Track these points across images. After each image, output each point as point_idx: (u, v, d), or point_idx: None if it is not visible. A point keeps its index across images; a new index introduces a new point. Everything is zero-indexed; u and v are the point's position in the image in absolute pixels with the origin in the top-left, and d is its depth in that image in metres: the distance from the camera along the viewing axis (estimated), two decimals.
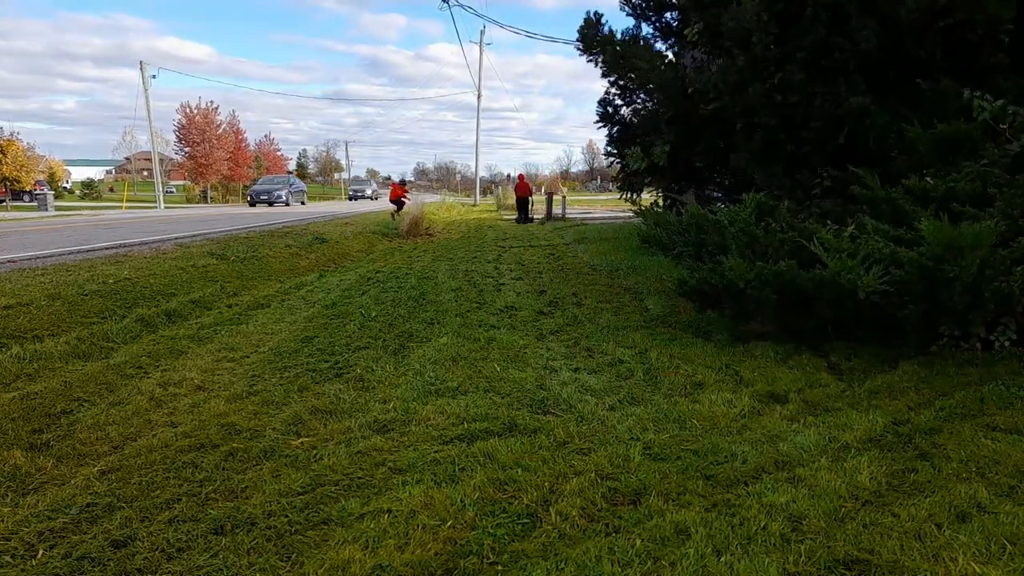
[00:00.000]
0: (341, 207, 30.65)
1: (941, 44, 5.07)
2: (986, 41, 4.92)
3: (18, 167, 37.81)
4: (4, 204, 35.54)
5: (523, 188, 20.38)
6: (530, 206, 20.23)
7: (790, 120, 5.99)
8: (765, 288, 4.46)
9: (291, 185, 32.72)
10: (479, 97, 38.46)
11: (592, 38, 8.43)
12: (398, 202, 18.70)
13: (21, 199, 38.97)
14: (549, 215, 20.66)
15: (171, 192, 58.34)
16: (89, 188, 56.42)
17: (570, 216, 21.24)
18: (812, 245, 4.29)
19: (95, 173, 75.96)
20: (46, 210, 27.15)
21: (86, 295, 5.94)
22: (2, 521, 2.39)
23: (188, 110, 49.14)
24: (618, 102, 10.58)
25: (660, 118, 8.49)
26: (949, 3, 4.88)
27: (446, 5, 25.06)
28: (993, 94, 4.69)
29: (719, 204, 7.63)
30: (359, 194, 51.40)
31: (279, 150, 72.76)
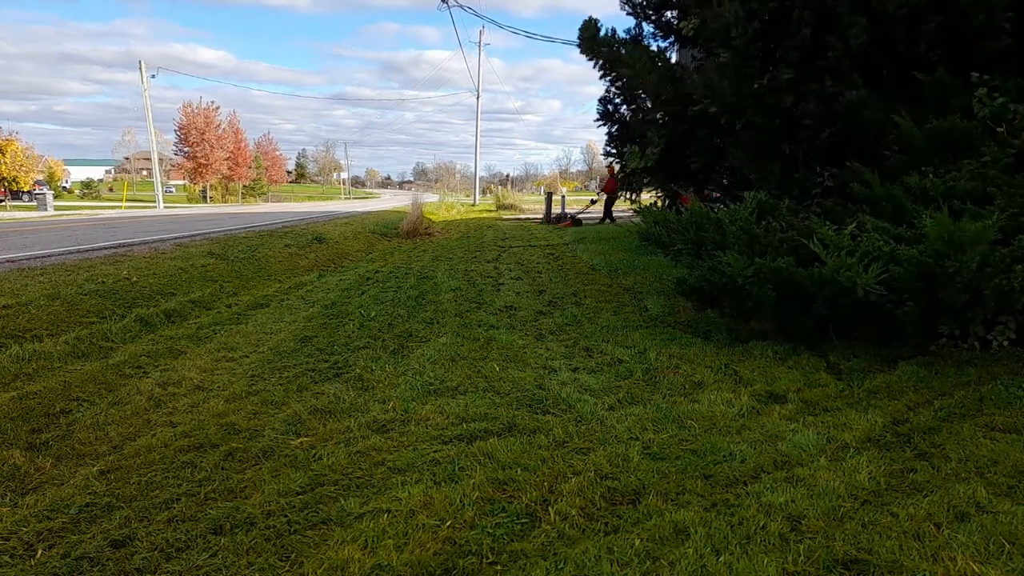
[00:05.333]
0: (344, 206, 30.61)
1: (936, 40, 5.05)
2: (980, 38, 4.90)
3: (17, 167, 37.77)
4: (3, 204, 35.52)
5: (610, 184, 18.01)
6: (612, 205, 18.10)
7: (785, 119, 5.99)
8: (764, 285, 4.45)
9: None
10: (478, 98, 38.49)
11: (591, 41, 8.49)
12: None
13: (20, 199, 38.98)
14: (548, 215, 20.66)
15: (170, 192, 58.37)
16: (88, 188, 56.44)
17: (569, 215, 21.23)
18: (811, 243, 4.29)
19: (94, 173, 75.97)
20: (45, 210, 27.16)
21: (85, 295, 5.94)
22: (1, 521, 2.39)
23: (188, 110, 49.14)
24: (617, 101, 10.61)
25: (650, 122, 8.52)
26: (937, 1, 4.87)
27: (445, 6, 25.06)
28: (993, 92, 4.69)
29: (719, 204, 7.62)
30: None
31: (278, 150, 72.80)
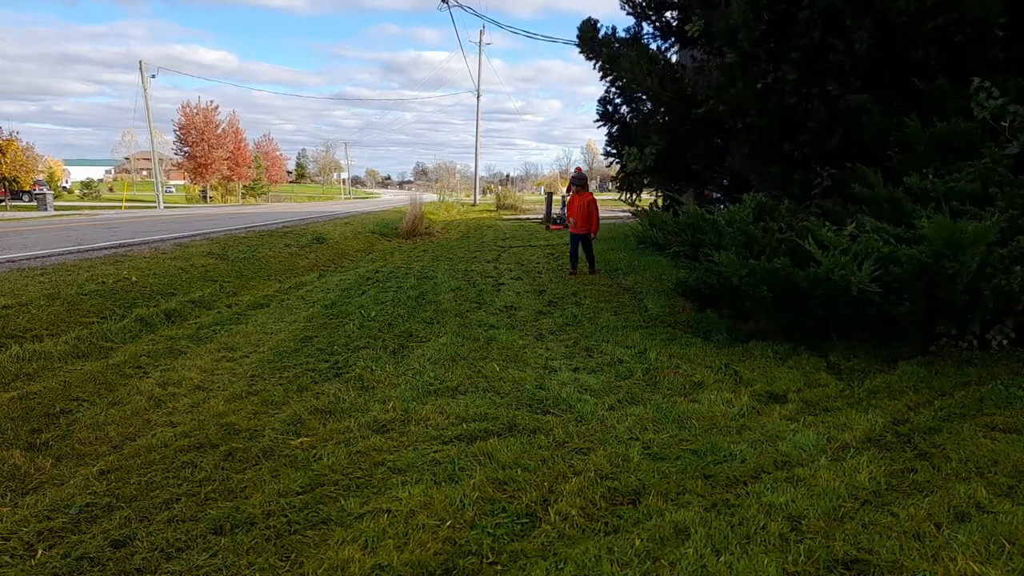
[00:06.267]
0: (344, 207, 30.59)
1: (935, 44, 5.07)
2: (979, 40, 4.92)
3: (17, 167, 37.75)
4: (3, 204, 35.50)
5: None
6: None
7: (787, 120, 5.99)
8: (760, 286, 4.45)
9: None
10: (478, 98, 38.47)
11: (589, 42, 8.48)
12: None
13: (20, 199, 38.92)
14: (549, 215, 20.66)
15: (170, 191, 58.34)
16: (88, 188, 56.35)
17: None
18: (806, 243, 4.29)
19: (94, 173, 75.92)
20: (45, 210, 27.17)
21: (85, 295, 5.94)
22: (1, 521, 2.39)
23: (188, 110, 49.13)
24: (617, 101, 10.60)
25: (652, 123, 8.51)
26: (938, 3, 4.88)
27: (445, 5, 25.06)
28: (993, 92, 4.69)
29: (719, 205, 7.62)
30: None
31: (279, 150, 72.77)
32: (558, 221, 17.02)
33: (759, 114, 6.00)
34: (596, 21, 8.62)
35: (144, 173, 73.64)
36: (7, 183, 37.65)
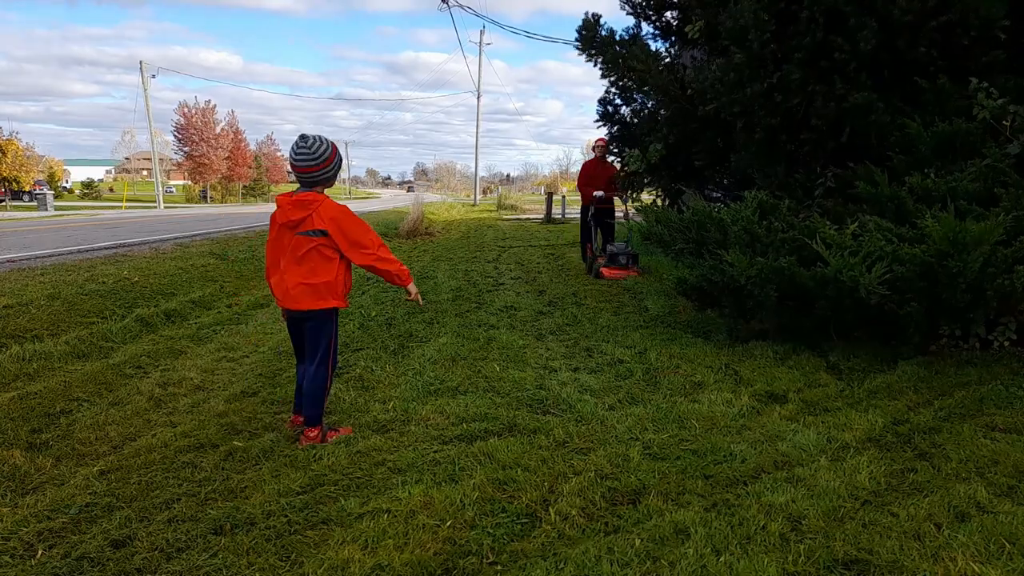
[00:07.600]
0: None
1: (937, 44, 5.07)
2: (981, 41, 4.92)
3: (17, 167, 37.81)
4: (3, 204, 35.51)
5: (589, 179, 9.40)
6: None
7: (790, 119, 5.99)
8: (766, 285, 4.45)
9: None
10: (479, 98, 38.48)
11: (590, 39, 8.39)
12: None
13: (20, 199, 38.97)
14: (548, 216, 20.67)
15: (170, 192, 58.38)
16: (89, 188, 56.39)
17: (570, 216, 21.25)
18: (814, 243, 4.29)
19: (95, 173, 75.94)
20: (46, 210, 27.20)
21: (86, 295, 5.94)
22: (1, 521, 2.39)
23: (186, 110, 49.23)
24: (618, 102, 10.58)
25: (658, 119, 8.48)
26: (941, 3, 4.89)
27: (445, 6, 25.04)
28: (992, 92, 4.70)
29: (720, 204, 7.61)
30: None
31: (279, 151, 72.84)
32: (622, 260, 8.27)
33: (767, 114, 5.99)
34: (599, 16, 8.45)
35: (144, 173, 73.73)
36: (7, 183, 37.68)
